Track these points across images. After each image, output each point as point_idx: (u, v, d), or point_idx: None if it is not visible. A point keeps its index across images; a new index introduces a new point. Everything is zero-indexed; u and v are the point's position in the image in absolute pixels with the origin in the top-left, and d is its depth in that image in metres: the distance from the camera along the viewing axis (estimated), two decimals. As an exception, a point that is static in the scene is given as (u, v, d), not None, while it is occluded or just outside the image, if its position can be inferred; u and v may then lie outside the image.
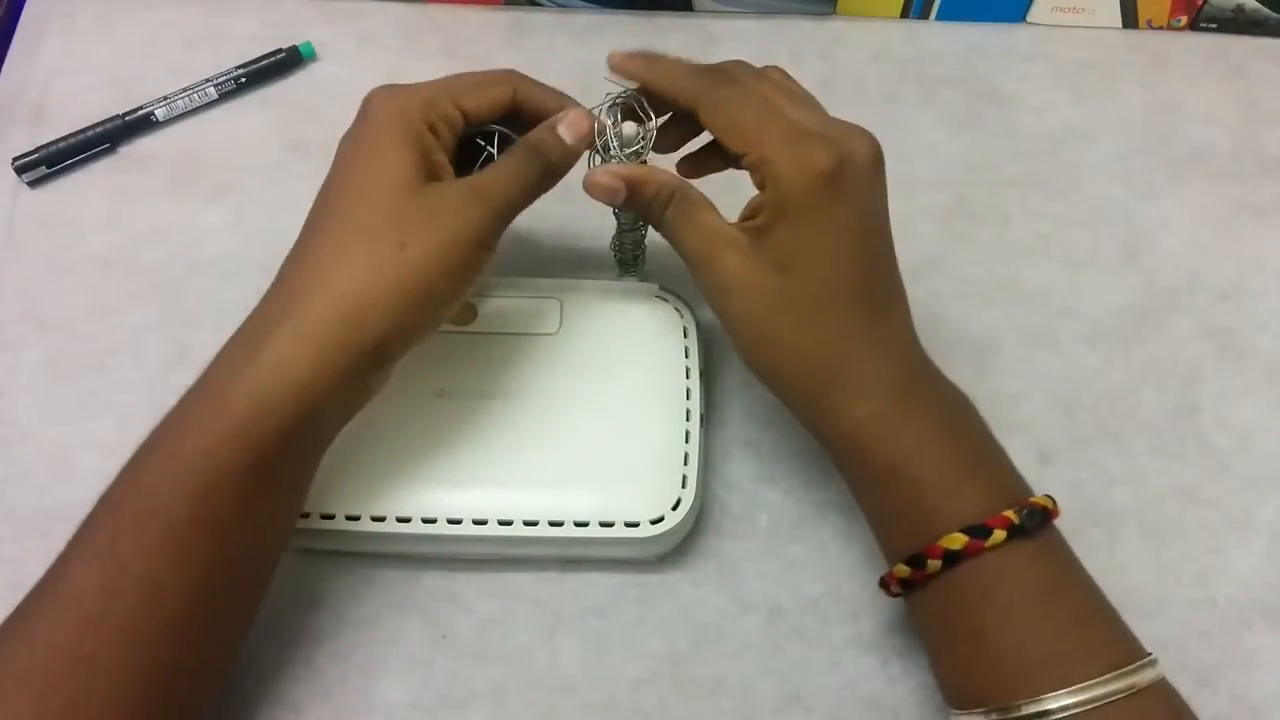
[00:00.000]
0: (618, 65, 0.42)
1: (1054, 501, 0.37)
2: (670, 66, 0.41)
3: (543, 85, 0.43)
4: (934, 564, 0.36)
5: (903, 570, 0.37)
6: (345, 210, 0.39)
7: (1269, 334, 0.51)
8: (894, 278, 0.40)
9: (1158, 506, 0.47)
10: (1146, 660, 0.35)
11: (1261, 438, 0.48)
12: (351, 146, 0.40)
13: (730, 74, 0.41)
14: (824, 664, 0.44)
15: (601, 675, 0.43)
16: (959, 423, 0.39)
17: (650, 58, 0.42)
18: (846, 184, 0.37)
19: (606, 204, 0.42)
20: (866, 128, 0.39)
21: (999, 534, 0.36)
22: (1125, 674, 0.34)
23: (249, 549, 0.38)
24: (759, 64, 0.42)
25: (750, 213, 0.39)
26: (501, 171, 0.40)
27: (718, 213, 0.40)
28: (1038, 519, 0.36)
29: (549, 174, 0.41)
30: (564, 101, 0.42)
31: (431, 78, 0.42)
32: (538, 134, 0.41)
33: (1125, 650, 0.36)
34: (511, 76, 0.43)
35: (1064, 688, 0.34)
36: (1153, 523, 0.46)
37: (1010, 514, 0.36)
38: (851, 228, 0.38)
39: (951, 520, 0.36)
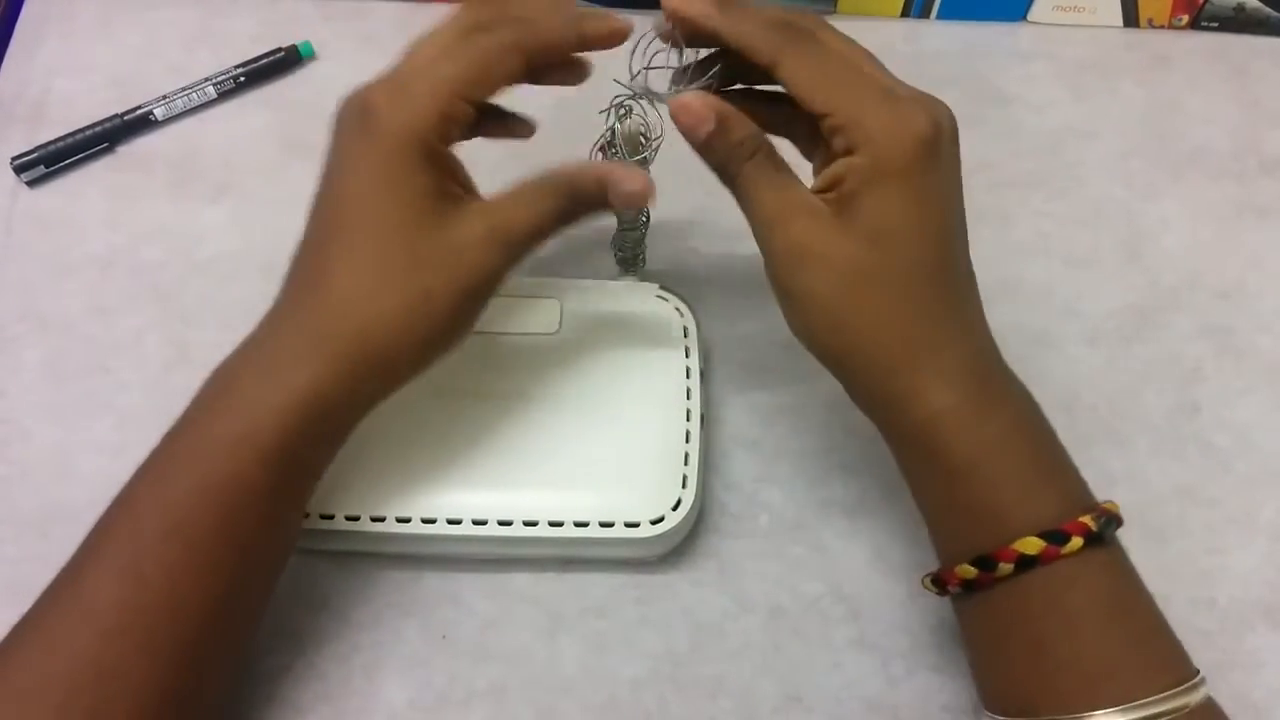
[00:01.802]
0: (679, 9, 0.37)
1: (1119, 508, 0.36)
2: (744, 16, 0.36)
3: (553, 22, 0.38)
4: (1005, 567, 0.34)
5: (968, 571, 0.35)
6: (365, 241, 0.36)
7: (1269, 334, 0.51)
8: (969, 255, 0.38)
9: (1158, 506, 0.47)
10: (1198, 679, 0.34)
11: (1262, 437, 0.48)
12: (363, 162, 0.37)
13: (807, 29, 0.37)
14: (824, 664, 0.44)
15: (601, 675, 0.43)
16: (1034, 418, 0.37)
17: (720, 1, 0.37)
18: (942, 150, 0.35)
19: (687, 131, 0.37)
20: None
21: (1076, 541, 0.34)
22: (1179, 693, 0.33)
23: (267, 563, 0.38)
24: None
25: (829, 182, 0.36)
26: (530, 212, 0.38)
27: (799, 180, 0.37)
28: (1113, 528, 0.35)
29: (575, 219, 0.39)
30: (581, 27, 0.38)
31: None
32: (580, 176, 0.38)
33: (1180, 670, 0.34)
34: (522, 41, 0.37)
35: (1119, 704, 0.33)
36: (1153, 522, 0.46)
37: (1088, 520, 0.34)
38: (946, 198, 0.36)
39: (1026, 523, 0.34)
